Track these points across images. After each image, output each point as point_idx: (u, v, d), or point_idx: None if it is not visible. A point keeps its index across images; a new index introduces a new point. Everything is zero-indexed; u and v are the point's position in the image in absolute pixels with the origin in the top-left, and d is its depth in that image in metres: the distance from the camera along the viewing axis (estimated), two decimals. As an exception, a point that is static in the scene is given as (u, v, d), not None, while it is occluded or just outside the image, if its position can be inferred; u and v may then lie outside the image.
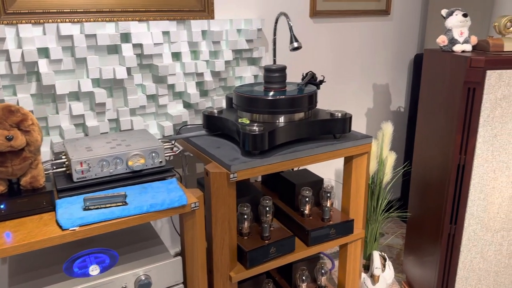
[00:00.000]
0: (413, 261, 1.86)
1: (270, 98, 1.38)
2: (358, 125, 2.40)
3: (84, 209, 1.11)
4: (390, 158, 1.77)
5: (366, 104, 2.41)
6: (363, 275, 1.93)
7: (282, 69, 1.46)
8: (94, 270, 1.17)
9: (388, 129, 1.76)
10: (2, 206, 1.07)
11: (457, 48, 1.51)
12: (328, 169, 2.34)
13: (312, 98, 1.45)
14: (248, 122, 1.37)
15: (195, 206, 1.21)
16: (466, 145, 1.47)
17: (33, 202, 1.11)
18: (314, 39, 2.11)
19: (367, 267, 1.97)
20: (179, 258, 1.22)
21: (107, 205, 1.12)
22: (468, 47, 1.51)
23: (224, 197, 1.28)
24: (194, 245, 1.27)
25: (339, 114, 1.45)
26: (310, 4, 2.05)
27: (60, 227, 1.05)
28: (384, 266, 1.95)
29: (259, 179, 2.02)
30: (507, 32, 1.48)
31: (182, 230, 1.28)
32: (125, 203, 1.14)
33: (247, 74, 1.87)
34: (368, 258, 1.94)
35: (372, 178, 1.83)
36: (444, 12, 1.53)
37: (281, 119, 1.42)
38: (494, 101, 1.42)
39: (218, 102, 1.82)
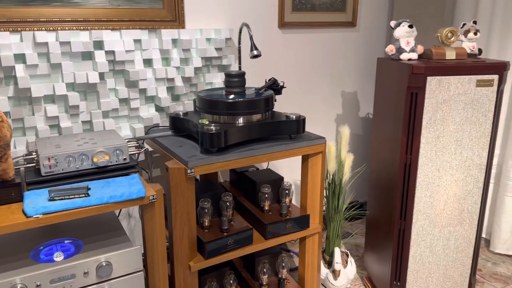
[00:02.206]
0: (371, 257, 1.97)
1: (227, 100, 1.50)
2: (328, 131, 2.52)
3: (49, 200, 1.21)
4: (348, 159, 1.89)
5: (335, 110, 2.53)
6: (326, 270, 2.03)
7: (241, 75, 1.58)
8: (58, 256, 1.27)
9: (345, 132, 1.88)
10: (-27, 196, 1.17)
11: (404, 56, 1.64)
12: (297, 170, 2.45)
13: (268, 101, 1.57)
14: (207, 122, 1.49)
15: (153, 199, 1.31)
16: (411, 145, 1.59)
17: (2, 193, 1.21)
18: (283, 49, 2.24)
19: (330, 263, 2.07)
20: (139, 247, 1.32)
21: (70, 196, 1.23)
22: (414, 56, 1.64)
23: (183, 191, 1.39)
24: (154, 235, 1.37)
25: (294, 116, 1.57)
26: (279, 15, 2.18)
27: (25, 214, 1.15)
28: (346, 262, 2.06)
29: (228, 179, 2.13)
30: (449, 42, 1.61)
31: (143, 221, 1.39)
32: (87, 195, 1.24)
33: (217, 80, 1.99)
34: (332, 255, 2.04)
35: (333, 178, 1.95)
36: (392, 23, 1.66)
37: (240, 120, 1.53)
38: (435, 105, 1.54)
39: (189, 106, 1.94)
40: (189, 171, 1.37)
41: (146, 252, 1.41)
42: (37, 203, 1.19)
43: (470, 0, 2.19)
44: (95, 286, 1.28)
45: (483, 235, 2.46)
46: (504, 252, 2.31)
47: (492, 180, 2.36)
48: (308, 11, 2.27)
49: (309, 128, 2.43)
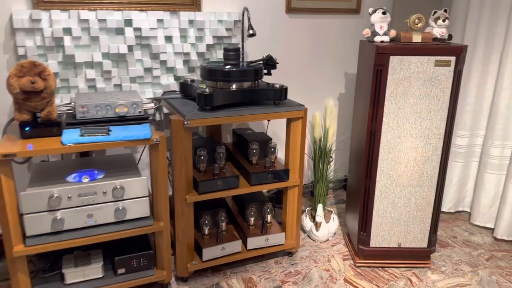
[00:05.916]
0: (349, 215, 2.27)
1: (221, 69, 1.86)
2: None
3: (80, 136, 1.64)
4: (332, 128, 2.19)
5: (338, 90, 2.82)
6: (311, 223, 2.36)
7: (236, 49, 1.93)
8: (85, 179, 1.70)
9: (330, 104, 2.18)
10: (27, 129, 1.62)
11: (377, 39, 1.91)
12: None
13: (257, 72, 1.91)
14: (205, 87, 1.86)
15: (157, 141, 1.71)
16: (376, 115, 1.87)
17: (47, 129, 1.65)
18: (289, 32, 2.55)
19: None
20: (145, 177, 1.73)
21: (96, 134, 1.65)
22: (386, 38, 1.91)
23: (181, 139, 1.78)
24: (158, 172, 1.77)
25: (277, 85, 1.90)
26: (286, 1, 2.49)
27: (62, 143, 1.58)
28: (330, 218, 2.37)
29: (231, 140, 2.50)
30: (416, 27, 1.87)
31: (150, 161, 1.79)
32: (108, 134, 1.66)
33: (227, 56, 2.35)
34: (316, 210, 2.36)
35: (319, 144, 2.26)
36: (370, 10, 1.94)
37: (233, 86, 1.89)
38: (397, 81, 1.82)
39: (201, 77, 2.31)
40: (185, 122, 1.75)
41: (152, 184, 1.81)
42: (71, 136, 1.62)
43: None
44: (111, 203, 1.71)
45: (467, 209, 2.67)
46: (482, 224, 2.52)
47: (476, 159, 2.57)
48: (314, -1, 2.55)
49: (310, 104, 2.73)
